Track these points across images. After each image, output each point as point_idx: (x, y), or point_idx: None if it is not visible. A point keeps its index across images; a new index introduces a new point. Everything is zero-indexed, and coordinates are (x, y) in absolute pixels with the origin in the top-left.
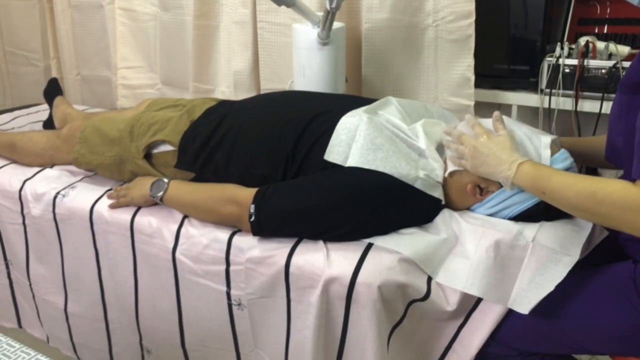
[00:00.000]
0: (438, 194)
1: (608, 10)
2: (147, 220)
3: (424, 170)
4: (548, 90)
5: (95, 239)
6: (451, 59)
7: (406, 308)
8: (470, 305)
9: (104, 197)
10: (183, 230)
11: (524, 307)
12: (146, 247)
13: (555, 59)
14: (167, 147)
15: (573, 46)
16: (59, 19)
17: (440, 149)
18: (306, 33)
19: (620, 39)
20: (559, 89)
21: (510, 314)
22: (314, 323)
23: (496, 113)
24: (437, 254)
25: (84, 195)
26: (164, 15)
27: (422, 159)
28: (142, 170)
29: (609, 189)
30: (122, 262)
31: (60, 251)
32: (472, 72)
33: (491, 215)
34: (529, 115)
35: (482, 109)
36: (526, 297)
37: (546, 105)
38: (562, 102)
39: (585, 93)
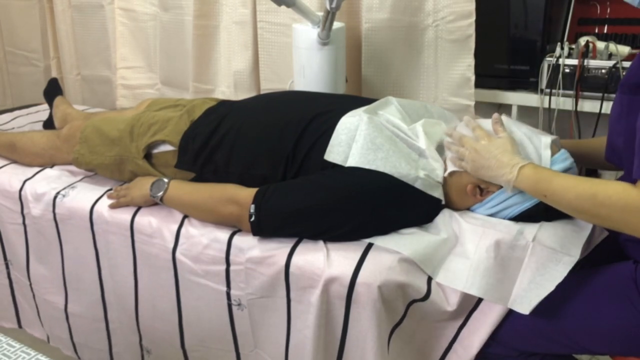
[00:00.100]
0: (438, 194)
1: (608, 10)
2: (147, 220)
3: (424, 170)
4: (548, 90)
5: (96, 239)
6: (451, 59)
7: (406, 308)
8: (470, 305)
9: (104, 197)
10: (183, 230)
11: (525, 307)
12: (146, 247)
13: (555, 59)
14: (167, 147)
15: (573, 46)
16: (59, 19)
17: (440, 149)
18: (306, 33)
19: (620, 39)
20: (559, 89)
21: (510, 314)
22: (314, 323)
23: (495, 115)
24: (437, 254)
25: (84, 195)
26: (164, 15)
27: (422, 159)
28: (142, 170)
29: (609, 191)
30: (122, 262)
31: (61, 251)
32: (472, 72)
33: (491, 215)
34: (529, 115)
35: (482, 109)
36: (526, 297)
37: (546, 105)
38: (562, 102)
39: (586, 93)
